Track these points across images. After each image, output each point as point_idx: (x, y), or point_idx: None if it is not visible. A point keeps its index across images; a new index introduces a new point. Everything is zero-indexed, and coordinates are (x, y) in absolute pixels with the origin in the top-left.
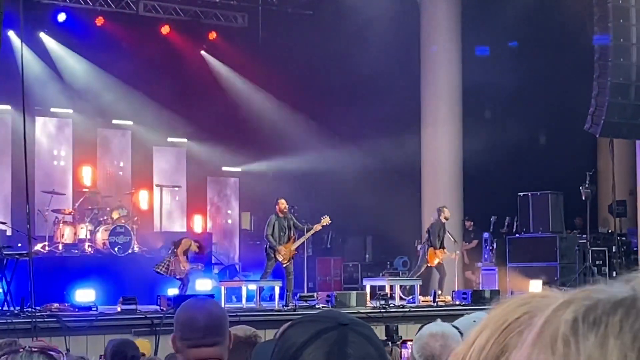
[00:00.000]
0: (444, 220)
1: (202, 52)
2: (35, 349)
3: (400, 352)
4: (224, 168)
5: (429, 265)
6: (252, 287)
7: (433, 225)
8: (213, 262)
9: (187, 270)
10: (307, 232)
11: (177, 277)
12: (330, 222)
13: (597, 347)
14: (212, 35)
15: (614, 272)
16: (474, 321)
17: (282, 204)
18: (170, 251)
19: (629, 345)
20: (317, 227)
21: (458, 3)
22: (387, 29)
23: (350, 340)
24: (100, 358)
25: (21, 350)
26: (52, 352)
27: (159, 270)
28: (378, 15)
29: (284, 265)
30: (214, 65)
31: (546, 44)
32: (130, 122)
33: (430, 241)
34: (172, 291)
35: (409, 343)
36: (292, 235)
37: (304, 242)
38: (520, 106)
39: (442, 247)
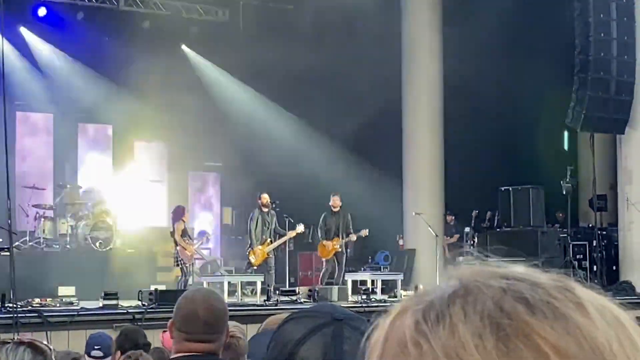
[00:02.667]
0: (335, 209)
1: (183, 46)
2: (24, 342)
3: None
4: (206, 163)
5: (325, 259)
6: (234, 281)
7: (323, 216)
8: (195, 256)
9: (194, 253)
10: (280, 237)
11: (187, 264)
12: (303, 230)
13: (449, 336)
14: (194, 29)
15: (595, 266)
16: None
17: (265, 198)
18: (174, 244)
19: (480, 324)
20: (291, 233)
21: None
22: (368, 23)
23: (346, 336)
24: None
25: (9, 342)
26: (40, 346)
27: (176, 266)
28: (359, 8)
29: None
30: (195, 59)
31: (527, 37)
32: (111, 117)
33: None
34: (154, 286)
35: None
36: (271, 233)
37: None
38: (502, 100)
39: (335, 236)
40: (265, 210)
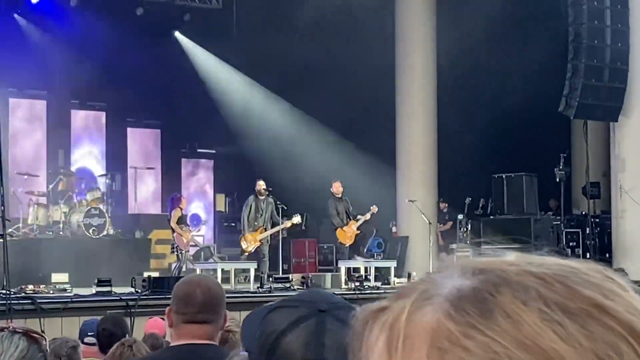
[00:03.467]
0: (338, 195)
1: (177, 33)
2: (19, 330)
3: None
4: (199, 150)
5: (345, 244)
6: (227, 268)
7: (331, 202)
8: (190, 243)
9: (190, 240)
10: (273, 226)
11: (183, 250)
12: (300, 221)
13: (516, 325)
14: (187, 16)
15: (588, 254)
16: None
17: (260, 185)
18: (172, 231)
19: (547, 310)
20: (287, 223)
21: None
22: (363, 11)
23: (328, 329)
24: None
25: (4, 330)
26: (35, 335)
27: (172, 252)
28: None
29: (250, 251)
30: (188, 46)
31: (521, 25)
32: (104, 104)
33: (333, 224)
34: (147, 273)
35: None
36: (266, 220)
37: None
38: (495, 88)
39: (348, 220)
40: (261, 197)
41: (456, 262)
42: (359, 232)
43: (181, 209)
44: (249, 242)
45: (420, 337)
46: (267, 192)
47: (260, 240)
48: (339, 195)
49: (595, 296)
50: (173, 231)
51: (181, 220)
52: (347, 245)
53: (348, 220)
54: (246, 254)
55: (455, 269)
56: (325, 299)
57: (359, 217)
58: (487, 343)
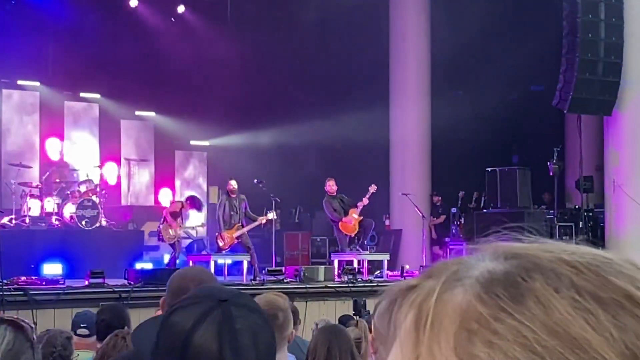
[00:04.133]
0: (332, 194)
1: (170, 25)
2: (5, 320)
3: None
4: (192, 142)
5: (349, 234)
6: (221, 261)
7: (326, 202)
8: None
9: (178, 235)
10: (251, 222)
11: (168, 242)
12: (276, 217)
13: (547, 312)
14: (181, 8)
15: None
16: None
17: (231, 185)
18: (162, 218)
19: (580, 299)
20: (261, 220)
21: None
22: (357, 3)
23: (235, 315)
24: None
25: None
26: (22, 324)
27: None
28: None
29: (228, 246)
30: (182, 38)
31: (516, 19)
32: (97, 95)
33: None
34: (140, 265)
35: None
36: (240, 218)
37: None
38: (489, 81)
39: (345, 213)
40: (233, 196)
41: (487, 245)
42: (361, 217)
43: (183, 207)
44: (226, 240)
45: (449, 317)
46: (238, 191)
47: (237, 238)
48: (334, 194)
49: (628, 287)
50: (162, 221)
51: (176, 215)
52: (354, 235)
53: (346, 211)
54: (223, 251)
55: (487, 251)
56: (222, 291)
57: (358, 204)
58: (517, 327)
